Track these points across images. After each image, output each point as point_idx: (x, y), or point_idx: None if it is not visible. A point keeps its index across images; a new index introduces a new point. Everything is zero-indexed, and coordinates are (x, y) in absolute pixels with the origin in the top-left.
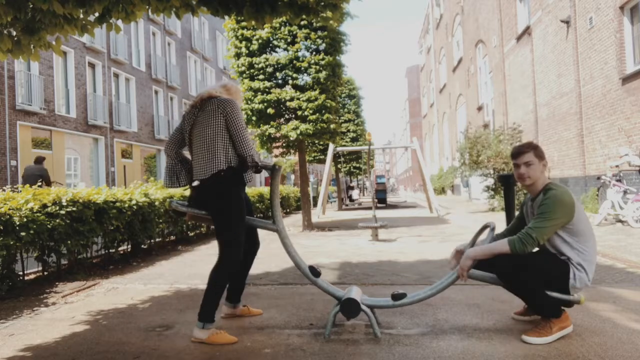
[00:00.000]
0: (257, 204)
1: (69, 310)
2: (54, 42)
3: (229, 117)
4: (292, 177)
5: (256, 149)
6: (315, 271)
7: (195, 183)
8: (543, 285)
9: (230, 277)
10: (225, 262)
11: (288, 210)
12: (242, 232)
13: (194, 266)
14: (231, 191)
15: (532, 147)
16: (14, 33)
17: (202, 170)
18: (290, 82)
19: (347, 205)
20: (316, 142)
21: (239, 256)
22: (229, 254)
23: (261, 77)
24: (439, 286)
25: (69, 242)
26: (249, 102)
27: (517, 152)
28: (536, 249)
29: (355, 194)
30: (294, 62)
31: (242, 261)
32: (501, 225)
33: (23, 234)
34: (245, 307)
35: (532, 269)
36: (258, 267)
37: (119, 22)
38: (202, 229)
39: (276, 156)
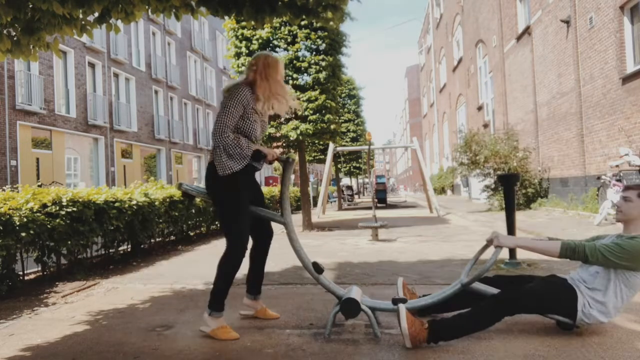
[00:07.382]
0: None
1: (69, 310)
2: (52, 42)
3: None
4: (292, 177)
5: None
6: (318, 267)
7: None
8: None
9: (250, 267)
10: (229, 253)
11: None
12: (240, 226)
13: (194, 266)
14: (224, 187)
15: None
16: (13, 33)
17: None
18: (290, 82)
19: (349, 204)
20: (316, 142)
21: (241, 248)
22: (231, 245)
23: None
24: (440, 295)
25: (69, 242)
26: None
27: (626, 187)
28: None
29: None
30: (294, 62)
31: (257, 250)
32: (501, 225)
33: (23, 234)
34: (264, 308)
35: (534, 291)
36: None
37: (119, 23)
38: (202, 229)
39: None
